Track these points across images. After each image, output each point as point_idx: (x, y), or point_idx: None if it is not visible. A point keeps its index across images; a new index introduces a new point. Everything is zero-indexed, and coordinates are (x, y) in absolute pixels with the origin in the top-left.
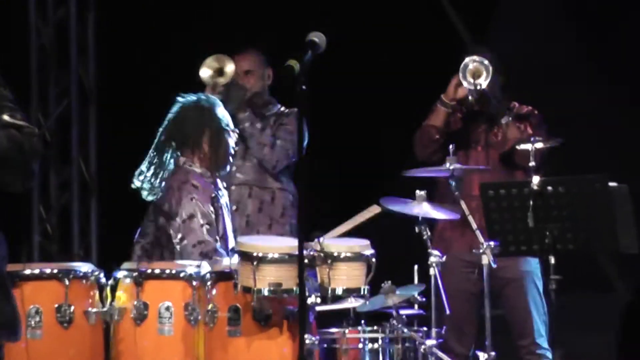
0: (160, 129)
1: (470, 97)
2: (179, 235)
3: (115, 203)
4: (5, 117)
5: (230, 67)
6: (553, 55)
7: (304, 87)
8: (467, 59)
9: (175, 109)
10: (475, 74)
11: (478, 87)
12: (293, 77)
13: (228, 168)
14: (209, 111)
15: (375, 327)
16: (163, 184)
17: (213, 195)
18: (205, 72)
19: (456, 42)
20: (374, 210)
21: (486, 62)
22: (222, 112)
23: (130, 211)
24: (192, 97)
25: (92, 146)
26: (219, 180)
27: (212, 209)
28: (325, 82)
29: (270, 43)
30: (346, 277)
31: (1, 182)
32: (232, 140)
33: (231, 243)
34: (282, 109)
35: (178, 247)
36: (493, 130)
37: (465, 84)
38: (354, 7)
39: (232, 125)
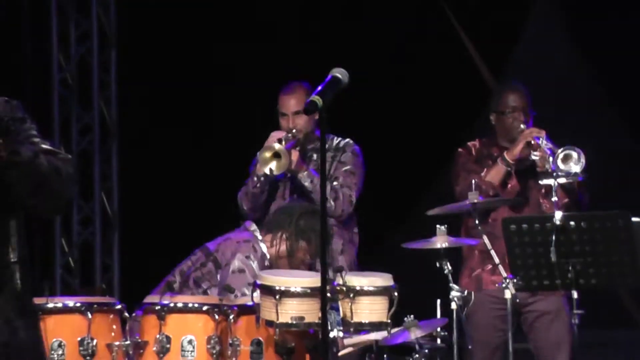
0: None
1: (565, 180)
2: (218, 284)
3: (137, 237)
4: (42, 145)
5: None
6: (570, 95)
7: (326, 123)
8: (567, 148)
9: None
10: (568, 157)
11: (573, 173)
12: (317, 114)
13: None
14: None
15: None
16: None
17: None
18: (267, 170)
19: (479, 84)
20: None
21: (577, 149)
22: None
23: (152, 245)
24: None
25: (114, 181)
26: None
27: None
28: (347, 120)
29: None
30: (369, 311)
31: (41, 207)
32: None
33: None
34: (337, 141)
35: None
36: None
37: (561, 166)
38: (381, 48)
39: None
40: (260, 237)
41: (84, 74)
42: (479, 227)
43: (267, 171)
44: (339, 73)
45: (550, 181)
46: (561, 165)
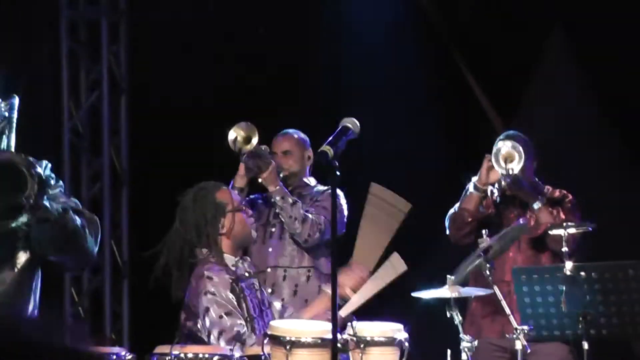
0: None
1: (502, 182)
2: (205, 331)
3: (147, 287)
4: (71, 203)
5: (256, 138)
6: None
7: (337, 172)
8: (499, 143)
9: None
10: (508, 158)
11: (510, 172)
12: (328, 163)
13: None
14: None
15: None
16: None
17: (231, 280)
18: (232, 136)
19: (487, 127)
20: (397, 265)
21: (519, 146)
22: (223, 196)
23: (162, 296)
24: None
25: (124, 229)
26: (242, 262)
27: (231, 295)
28: (358, 166)
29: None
30: None
31: (67, 263)
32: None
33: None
34: (321, 188)
35: (208, 340)
36: (525, 215)
37: (497, 168)
38: (388, 92)
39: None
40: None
41: (94, 121)
42: (490, 278)
43: (231, 136)
44: (350, 123)
45: (560, 231)
46: (501, 166)
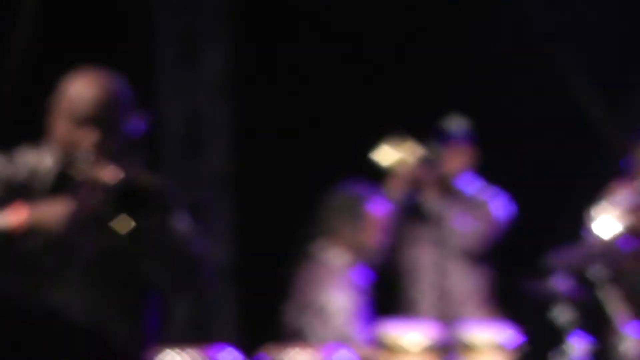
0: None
1: None
2: (315, 328)
3: (252, 291)
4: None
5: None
6: None
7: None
8: None
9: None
10: None
11: None
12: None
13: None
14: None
15: None
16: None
17: (350, 280)
18: (392, 156)
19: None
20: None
21: None
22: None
23: (269, 298)
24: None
25: (228, 233)
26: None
27: (345, 297)
28: None
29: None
30: None
31: (176, 285)
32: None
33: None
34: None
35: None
36: None
37: None
38: None
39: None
40: None
41: (195, 125)
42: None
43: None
44: (450, 122)
45: None
46: None
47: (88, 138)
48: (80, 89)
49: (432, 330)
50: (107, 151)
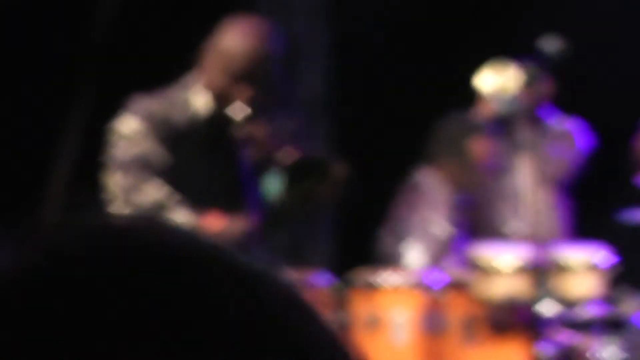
0: None
1: None
2: (410, 253)
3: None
4: None
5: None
6: None
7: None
8: None
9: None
10: None
11: None
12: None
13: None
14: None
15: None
16: None
17: (448, 208)
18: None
19: None
20: None
21: None
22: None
23: (363, 220)
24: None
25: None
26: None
27: (444, 223)
28: None
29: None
30: (581, 286)
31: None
32: None
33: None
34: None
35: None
36: None
37: None
38: None
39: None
40: None
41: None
42: None
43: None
44: (548, 43)
45: None
46: None
47: (244, 93)
48: (239, 43)
49: (525, 251)
50: (261, 106)
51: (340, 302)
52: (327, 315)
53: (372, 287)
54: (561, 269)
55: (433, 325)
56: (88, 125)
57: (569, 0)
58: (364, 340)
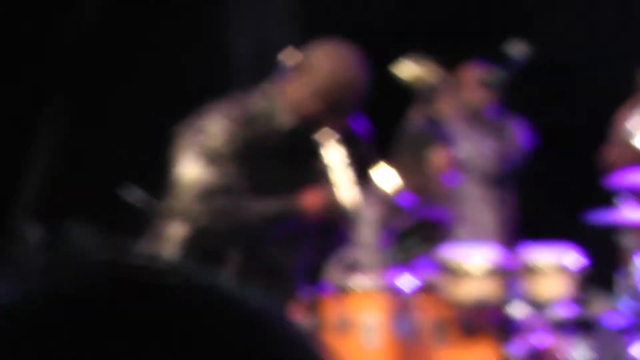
0: None
1: None
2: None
3: None
4: None
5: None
6: None
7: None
8: None
9: None
10: None
11: None
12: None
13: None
14: None
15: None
16: None
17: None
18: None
19: None
20: None
21: None
22: None
23: None
24: None
25: None
26: None
27: None
28: None
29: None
30: (551, 287)
31: None
32: None
33: None
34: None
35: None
36: None
37: None
38: None
39: None
40: None
41: None
42: None
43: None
44: (514, 48)
45: None
46: None
47: (335, 121)
48: (337, 73)
49: (494, 253)
50: (342, 128)
51: (311, 306)
52: (299, 319)
53: (342, 290)
54: (531, 270)
55: (404, 328)
56: (63, 132)
57: (535, 5)
58: (335, 344)
